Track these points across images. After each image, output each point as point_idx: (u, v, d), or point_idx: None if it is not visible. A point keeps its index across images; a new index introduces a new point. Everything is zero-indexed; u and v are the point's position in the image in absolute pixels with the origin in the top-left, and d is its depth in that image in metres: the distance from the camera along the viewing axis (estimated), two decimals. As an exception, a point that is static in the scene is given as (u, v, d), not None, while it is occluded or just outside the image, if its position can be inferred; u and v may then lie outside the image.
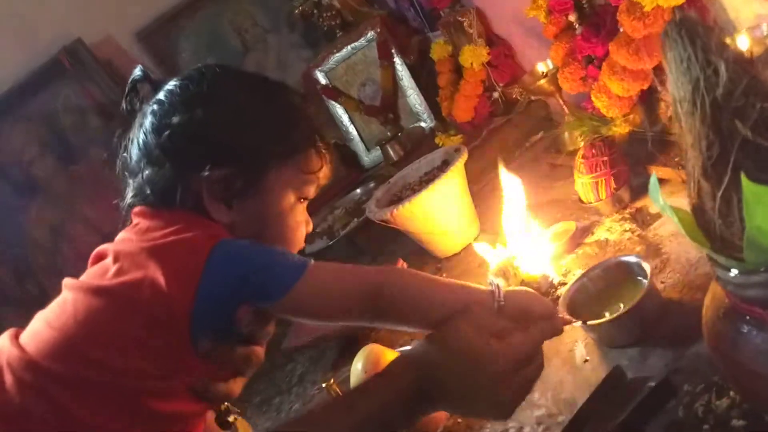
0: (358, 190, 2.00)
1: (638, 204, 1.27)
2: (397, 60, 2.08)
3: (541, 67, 1.56)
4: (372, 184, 1.92)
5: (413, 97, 2.07)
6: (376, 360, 1.13)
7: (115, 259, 0.74)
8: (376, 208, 1.50)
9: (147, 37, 2.36)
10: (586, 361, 0.99)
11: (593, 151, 1.29)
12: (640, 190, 1.30)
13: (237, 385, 0.79)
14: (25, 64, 2.19)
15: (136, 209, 0.79)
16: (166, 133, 0.78)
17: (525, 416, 0.96)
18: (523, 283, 1.19)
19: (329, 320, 0.78)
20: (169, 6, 2.38)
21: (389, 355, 1.15)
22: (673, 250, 1.08)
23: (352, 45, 2.16)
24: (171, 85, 0.81)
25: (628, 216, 1.27)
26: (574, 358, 1.01)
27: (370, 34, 2.12)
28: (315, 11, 2.29)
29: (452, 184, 1.44)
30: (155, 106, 0.80)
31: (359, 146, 2.22)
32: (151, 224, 0.76)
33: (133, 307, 0.70)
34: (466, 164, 1.66)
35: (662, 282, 1.03)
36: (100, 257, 0.77)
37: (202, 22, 2.42)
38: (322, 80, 2.21)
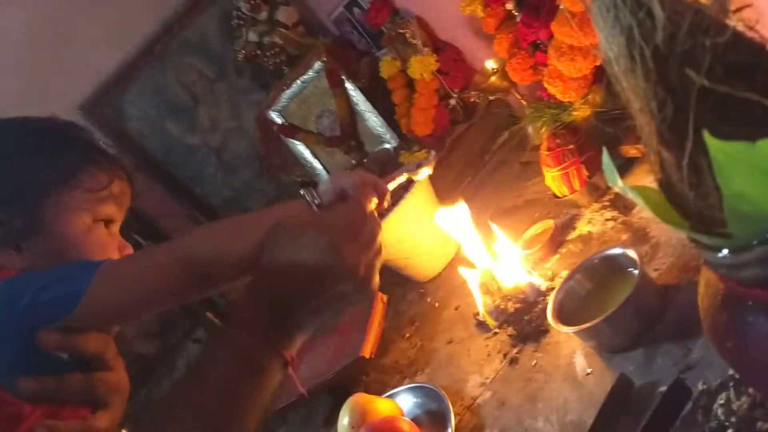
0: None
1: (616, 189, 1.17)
2: (349, 85, 2.00)
3: (490, 64, 1.47)
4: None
5: (372, 119, 1.99)
6: (363, 411, 1.03)
7: None
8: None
9: (91, 109, 2.28)
10: (588, 373, 0.88)
11: (557, 141, 1.20)
12: (619, 172, 1.20)
13: (101, 420, 0.69)
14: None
15: None
16: None
17: (532, 447, 0.85)
18: (506, 297, 1.09)
19: (149, 311, 0.71)
20: (108, 74, 2.30)
21: (377, 403, 1.05)
22: (662, 232, 0.98)
23: (301, 79, 2.08)
24: None
25: (608, 203, 1.17)
26: (575, 371, 0.90)
27: (317, 64, 2.04)
28: (258, 52, 2.21)
29: (419, 201, 1.34)
30: None
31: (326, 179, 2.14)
32: None
33: None
34: (434, 178, 1.57)
35: (655, 269, 0.93)
36: None
37: (145, 84, 2.34)
38: (277, 120, 2.13)
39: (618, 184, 0.49)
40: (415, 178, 0.86)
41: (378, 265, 0.69)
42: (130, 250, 0.81)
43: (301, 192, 0.72)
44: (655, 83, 0.40)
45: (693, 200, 0.42)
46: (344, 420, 1.04)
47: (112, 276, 0.67)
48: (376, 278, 0.68)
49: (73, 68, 2.29)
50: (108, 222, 0.79)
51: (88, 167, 0.78)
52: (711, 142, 0.36)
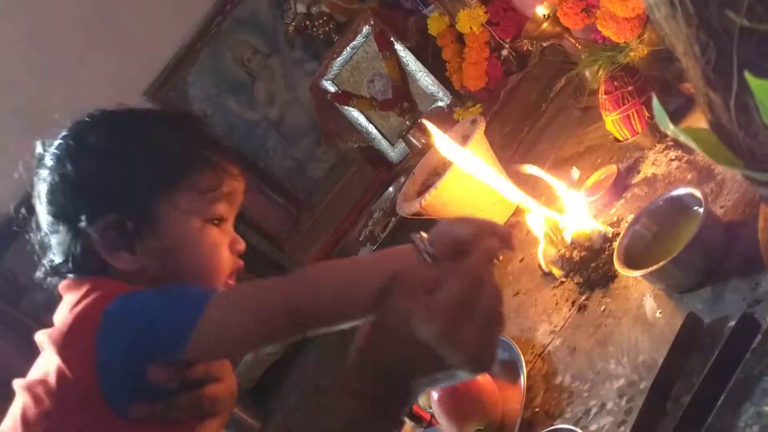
0: (391, 188, 1.94)
1: (680, 126, 1.15)
2: (399, 47, 2.01)
3: (541, 11, 1.45)
4: (403, 179, 1.85)
5: (423, 79, 2.00)
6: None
7: (40, 348, 0.73)
8: (405, 203, 1.42)
9: (155, 94, 2.37)
10: (658, 315, 0.89)
11: (615, 83, 1.18)
12: (679, 112, 1.18)
13: (211, 429, 0.74)
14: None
15: (60, 285, 0.76)
16: (48, 196, 0.76)
17: (605, 390, 0.87)
18: (572, 244, 1.10)
19: (252, 350, 0.73)
20: (168, 58, 2.38)
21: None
22: (727, 168, 0.97)
23: (351, 45, 2.10)
24: (53, 146, 0.78)
25: (671, 143, 1.15)
26: (645, 314, 0.91)
27: (365, 29, 2.05)
28: (307, 22, 2.24)
29: (476, 158, 1.35)
30: (42, 173, 0.78)
31: (383, 143, 2.16)
32: (67, 299, 0.74)
33: (52, 399, 0.69)
34: (491, 132, 1.57)
35: (721, 206, 0.92)
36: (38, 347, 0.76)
37: (204, 65, 2.41)
38: (331, 88, 2.16)
39: (670, 129, 0.49)
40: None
41: (497, 339, 0.66)
42: (241, 245, 0.80)
43: (412, 238, 0.67)
44: (697, 27, 0.40)
45: (743, 139, 0.42)
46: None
47: (217, 319, 0.67)
48: (496, 354, 0.65)
49: (134, 56, 2.37)
50: (219, 220, 0.78)
51: (200, 167, 0.76)
52: (753, 82, 0.36)
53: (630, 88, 1.16)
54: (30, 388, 0.70)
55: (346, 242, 2.01)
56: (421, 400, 1.09)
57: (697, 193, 0.88)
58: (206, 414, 0.73)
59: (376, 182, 2.11)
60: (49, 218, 0.76)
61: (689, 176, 1.03)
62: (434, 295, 0.63)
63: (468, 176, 1.33)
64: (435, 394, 1.00)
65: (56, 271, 0.76)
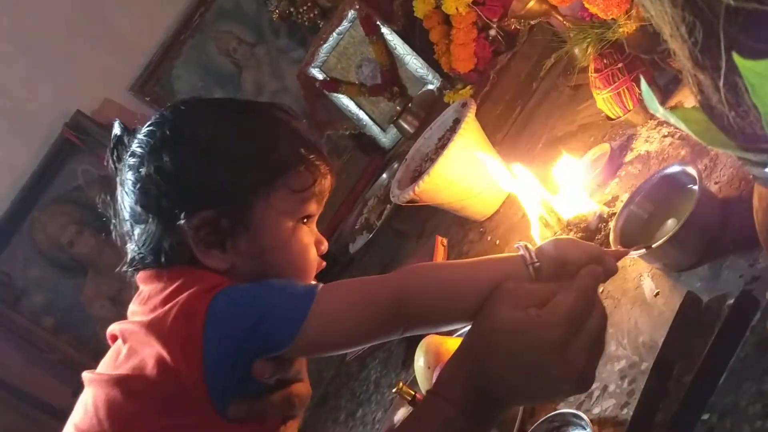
0: (384, 175, 1.92)
1: (672, 102, 1.13)
2: (385, 30, 1.98)
3: (527, -11, 1.43)
4: (396, 165, 1.84)
5: (412, 62, 1.98)
6: (437, 352, 1.06)
7: (124, 340, 0.70)
8: (398, 191, 1.41)
9: (141, 88, 2.35)
10: (656, 294, 0.88)
11: (604, 61, 1.16)
12: (670, 87, 1.16)
13: (291, 429, 0.73)
14: (34, 154, 2.20)
15: (139, 275, 0.74)
16: (139, 186, 0.73)
17: (606, 373, 0.86)
18: (568, 225, 1.09)
19: (354, 346, 0.72)
20: (153, 52, 2.35)
21: (450, 343, 1.08)
22: (720, 142, 0.96)
23: (337, 31, 2.07)
24: (141, 133, 0.75)
25: (663, 119, 1.14)
26: (644, 294, 0.90)
27: (351, 13, 2.03)
28: (291, 9, 2.22)
29: (468, 142, 1.34)
30: (130, 160, 0.75)
31: (374, 129, 2.14)
32: (151, 290, 0.71)
33: (148, 393, 0.66)
34: (482, 113, 1.56)
35: (716, 182, 0.91)
36: (114, 338, 0.73)
37: (189, 57, 2.38)
38: (319, 76, 2.14)
39: (660, 112, 0.48)
40: (635, 254, 0.82)
41: (599, 359, 0.66)
42: (325, 245, 0.78)
43: (517, 246, 0.68)
44: (682, 7, 0.39)
45: (734, 120, 0.41)
46: (420, 361, 1.07)
47: (326, 313, 0.66)
48: (595, 375, 0.65)
49: (118, 51, 2.35)
50: (308, 218, 0.76)
51: (296, 166, 0.73)
52: (741, 63, 0.35)
53: (620, 65, 1.15)
54: (120, 382, 0.67)
55: (342, 231, 2.01)
56: (424, 388, 1.09)
57: (692, 170, 0.87)
58: (293, 413, 0.72)
59: (369, 169, 2.10)
60: (138, 208, 0.73)
61: (683, 152, 1.02)
62: (545, 308, 0.64)
63: (461, 161, 1.33)
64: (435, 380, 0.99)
65: (141, 263, 0.73)
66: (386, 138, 2.14)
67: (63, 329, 2.16)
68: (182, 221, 0.70)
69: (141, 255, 0.73)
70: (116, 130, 0.78)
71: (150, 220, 0.72)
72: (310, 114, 2.24)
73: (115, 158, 0.78)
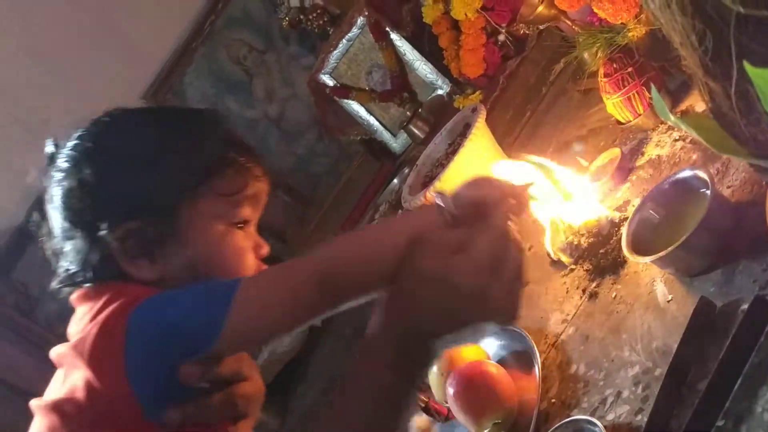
0: (395, 180, 1.92)
1: (682, 106, 1.13)
2: (394, 36, 1.99)
3: (536, -6, 1.43)
4: (406, 170, 1.84)
5: (422, 68, 1.98)
6: (450, 358, 1.06)
7: (60, 364, 0.70)
8: (409, 196, 1.42)
9: (153, 97, 2.36)
10: (669, 300, 0.88)
11: (614, 65, 1.16)
12: (681, 91, 1.16)
13: (243, 429, 0.72)
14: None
15: (73, 297, 0.73)
16: (64, 201, 0.72)
17: (620, 378, 0.87)
18: (578, 232, 1.08)
19: (286, 333, 0.69)
20: (164, 60, 2.37)
21: (463, 350, 1.08)
22: (732, 145, 0.95)
23: (346, 37, 2.08)
24: (66, 147, 0.75)
25: (674, 123, 1.14)
26: (656, 299, 0.90)
27: (360, 20, 2.03)
28: (301, 17, 2.22)
29: (479, 147, 1.34)
30: (56, 175, 0.74)
31: (385, 135, 2.14)
32: (83, 310, 0.71)
33: (81, 415, 0.66)
34: (492, 118, 1.56)
35: (728, 186, 0.91)
36: (55, 363, 0.73)
37: (200, 65, 2.39)
38: (329, 82, 2.14)
39: (670, 119, 0.48)
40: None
41: (522, 292, 0.65)
42: (265, 249, 0.77)
43: (434, 196, 0.67)
44: (692, 16, 0.39)
45: (746, 127, 0.41)
46: (433, 368, 1.07)
47: (248, 304, 0.65)
48: (519, 307, 0.65)
49: (130, 59, 2.36)
50: (244, 223, 0.75)
51: (223, 170, 0.73)
52: (752, 71, 0.35)
53: (630, 69, 1.15)
54: (56, 408, 0.67)
55: (354, 236, 2.01)
56: (437, 395, 1.09)
57: (703, 175, 0.87)
58: (239, 414, 0.71)
59: (381, 174, 2.10)
60: (65, 224, 0.72)
61: (694, 157, 1.02)
62: (464, 254, 0.63)
63: (472, 166, 1.33)
64: (451, 390, 0.99)
65: (71, 280, 0.72)
66: (397, 143, 2.15)
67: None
68: (106, 233, 0.70)
69: (72, 272, 0.72)
70: (48, 148, 0.77)
71: (77, 235, 0.71)
72: (321, 120, 2.24)
73: (47, 181, 0.76)
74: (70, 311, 0.74)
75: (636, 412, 0.80)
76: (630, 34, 1.15)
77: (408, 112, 2.00)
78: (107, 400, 0.65)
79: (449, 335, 0.64)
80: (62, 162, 0.73)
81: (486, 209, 0.66)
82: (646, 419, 0.77)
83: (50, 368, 0.72)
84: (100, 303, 0.69)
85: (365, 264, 0.67)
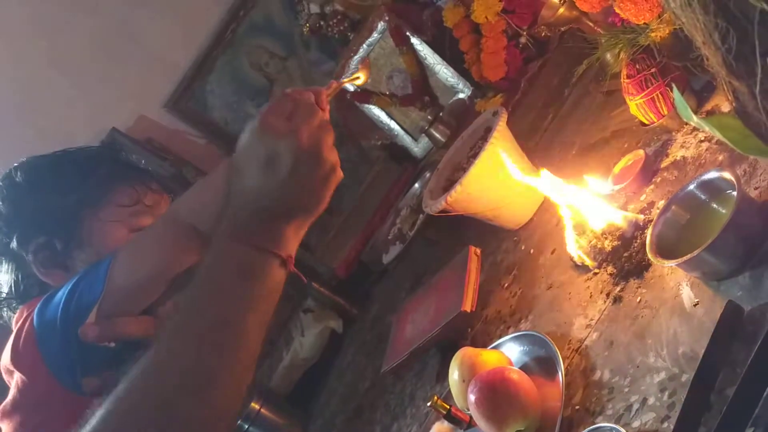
0: (417, 185, 1.92)
1: (708, 107, 1.11)
2: (415, 41, 1.99)
3: (557, -4, 1.42)
4: (428, 174, 1.83)
5: (442, 71, 1.97)
6: (471, 364, 1.05)
7: (7, 379, 0.82)
8: (430, 201, 1.41)
9: (175, 104, 2.38)
10: (695, 304, 0.86)
11: (637, 66, 1.15)
12: (706, 91, 1.14)
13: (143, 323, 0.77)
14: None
15: (13, 319, 0.86)
16: None
17: (646, 385, 0.85)
18: (602, 236, 1.07)
19: (166, 277, 0.75)
20: (186, 69, 2.39)
21: (485, 355, 1.07)
22: (760, 146, 0.93)
23: (367, 42, 2.08)
24: None
25: (699, 124, 1.12)
26: (682, 303, 0.88)
27: (380, 25, 2.03)
28: (322, 23, 2.24)
29: (500, 151, 1.33)
30: None
31: (406, 139, 2.14)
32: (17, 328, 0.81)
33: (25, 413, 0.76)
34: (514, 121, 1.54)
35: (756, 187, 0.89)
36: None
37: (222, 72, 2.41)
38: (350, 87, 2.15)
39: (693, 120, 0.47)
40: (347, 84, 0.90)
41: (324, 135, 0.71)
42: None
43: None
44: (714, 14, 0.38)
45: (772, 127, 0.40)
46: (455, 374, 1.07)
47: (124, 259, 0.73)
48: (327, 147, 0.70)
49: (151, 69, 2.39)
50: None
51: (116, 185, 0.87)
52: (778, 70, 0.34)
53: (653, 70, 1.13)
54: (5, 413, 0.78)
55: (375, 241, 2.01)
56: (459, 402, 1.08)
57: (729, 176, 0.85)
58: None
59: (402, 179, 2.10)
60: None
61: (720, 158, 1.00)
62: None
63: (494, 170, 1.32)
64: (472, 397, 0.98)
65: (7, 305, 0.86)
66: (418, 147, 2.14)
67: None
68: (20, 249, 0.84)
69: (6, 297, 0.86)
70: None
71: (3, 263, 0.86)
72: (343, 125, 2.25)
73: None
74: None
75: (662, 419, 0.79)
76: (653, 35, 1.13)
77: (429, 117, 2.00)
78: (36, 389, 0.75)
79: (281, 194, 0.68)
80: None
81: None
82: (672, 427, 0.75)
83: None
84: (21, 319, 0.80)
85: (206, 197, 0.74)
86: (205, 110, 2.40)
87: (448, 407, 1.07)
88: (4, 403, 0.79)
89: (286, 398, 1.82)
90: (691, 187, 0.91)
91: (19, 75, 2.25)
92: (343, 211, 2.35)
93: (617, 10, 1.16)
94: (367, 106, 2.15)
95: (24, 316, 0.80)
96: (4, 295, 0.86)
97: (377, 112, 2.16)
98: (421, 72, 2.01)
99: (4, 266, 0.86)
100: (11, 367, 0.77)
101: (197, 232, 0.73)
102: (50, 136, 2.24)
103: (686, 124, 1.13)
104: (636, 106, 1.17)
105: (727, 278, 0.83)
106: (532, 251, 1.31)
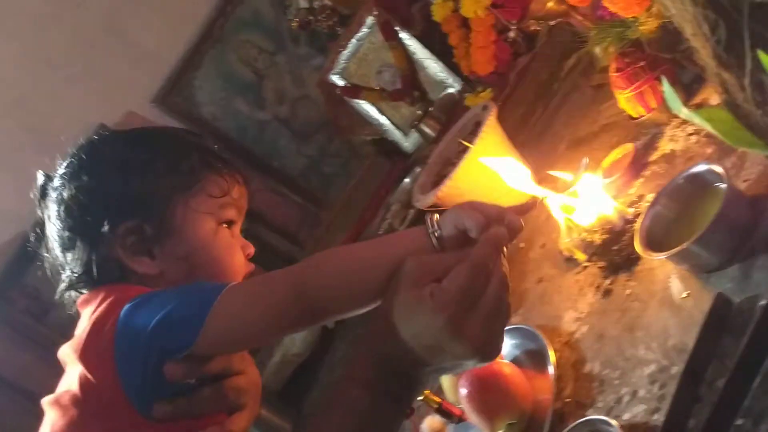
0: (407, 179, 1.91)
1: (696, 100, 1.11)
2: (404, 35, 1.98)
3: (545, -11, 1.42)
4: (418, 169, 1.83)
5: (432, 66, 1.97)
6: (462, 358, 1.05)
7: (64, 363, 0.75)
8: (421, 195, 1.41)
9: (163, 100, 2.36)
10: (685, 296, 0.87)
11: (626, 60, 1.15)
12: (694, 84, 1.14)
13: (238, 423, 0.74)
14: (60, 170, 2.24)
15: (77, 302, 0.78)
16: (64, 211, 0.78)
17: (636, 377, 0.85)
18: (591, 229, 1.07)
19: (263, 343, 0.75)
20: (173, 64, 2.37)
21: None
22: (748, 139, 0.94)
23: (356, 37, 2.07)
24: (60, 169, 0.82)
25: (688, 117, 1.12)
26: (671, 296, 0.89)
27: (369, 19, 2.02)
28: (310, 17, 2.22)
29: (490, 145, 1.33)
30: (52, 194, 0.81)
31: (396, 134, 2.13)
32: (86, 312, 0.76)
33: (78, 410, 0.71)
34: (504, 115, 1.54)
35: (744, 180, 0.89)
36: (61, 362, 0.78)
37: (210, 68, 2.39)
38: (339, 82, 2.14)
39: (682, 112, 0.47)
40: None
41: (503, 329, 0.65)
42: (251, 249, 0.82)
43: (424, 219, 0.68)
44: (704, 5, 0.38)
45: (761, 118, 0.40)
46: (446, 369, 1.07)
47: (228, 308, 0.67)
48: (500, 345, 0.65)
49: (139, 64, 2.37)
50: (230, 224, 0.81)
51: (209, 174, 0.80)
52: (766, 59, 0.34)
53: (641, 63, 1.13)
54: (56, 402, 0.72)
55: (366, 237, 2.00)
56: (450, 396, 1.08)
57: (718, 169, 0.85)
58: (232, 407, 0.73)
59: (392, 174, 2.09)
60: (66, 234, 0.78)
61: (709, 151, 1.00)
62: (440, 287, 0.62)
63: (481, 166, 1.31)
64: (463, 390, 0.99)
65: (74, 285, 0.78)
66: (408, 142, 2.14)
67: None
68: (107, 232, 0.75)
69: (75, 276, 0.77)
70: (39, 180, 0.84)
71: (78, 242, 0.77)
72: (332, 120, 2.24)
73: (42, 205, 0.83)
74: (76, 319, 0.78)
75: (653, 411, 0.79)
76: (641, 28, 1.13)
77: (419, 111, 1.99)
78: (99, 394, 0.69)
79: (430, 366, 0.64)
80: (58, 180, 0.80)
81: (472, 233, 0.64)
82: (663, 419, 0.75)
83: (59, 373, 0.77)
84: (95, 304, 0.74)
85: (348, 283, 0.67)
86: (193, 106, 2.39)
87: (440, 401, 1.07)
88: (60, 393, 0.73)
89: (277, 394, 1.81)
90: (680, 180, 0.92)
91: (4, 70, 2.23)
92: (334, 207, 2.35)
93: (606, 4, 1.16)
94: (356, 101, 2.14)
95: (97, 305, 0.73)
96: (75, 275, 0.77)
97: (367, 107, 2.15)
98: (410, 67, 2.00)
99: (79, 245, 0.77)
100: (77, 359, 0.71)
101: (318, 313, 0.68)
102: (36, 132, 2.23)
103: (675, 117, 1.14)
104: (625, 99, 1.17)
105: (716, 271, 0.83)
106: (522, 245, 1.32)
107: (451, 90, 1.96)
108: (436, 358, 0.64)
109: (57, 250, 0.80)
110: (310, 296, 0.66)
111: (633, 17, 1.14)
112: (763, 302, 0.73)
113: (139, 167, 0.78)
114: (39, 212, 0.83)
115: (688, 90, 1.14)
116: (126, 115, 2.34)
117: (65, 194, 0.78)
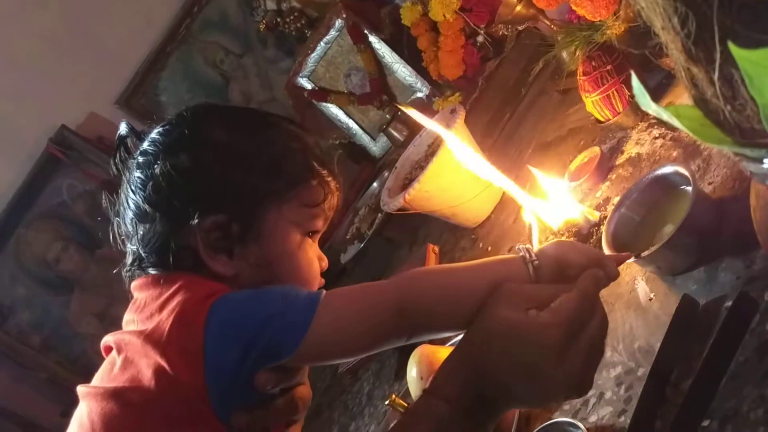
0: (375, 183, 1.91)
1: (663, 103, 1.12)
2: (373, 39, 1.98)
3: (513, -6, 1.42)
4: (386, 173, 1.82)
5: (401, 70, 1.97)
6: (429, 362, 1.04)
7: (119, 350, 0.68)
8: (388, 199, 1.40)
9: (127, 101, 2.32)
10: (651, 298, 0.86)
11: (593, 64, 1.15)
12: (660, 88, 1.15)
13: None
14: (18, 171, 2.19)
15: (134, 284, 0.72)
16: (150, 184, 0.71)
17: (602, 379, 0.84)
18: (559, 233, 1.07)
19: (358, 354, 0.71)
20: (138, 65, 2.33)
21: (443, 352, 1.06)
22: (712, 142, 0.94)
23: (324, 40, 2.06)
24: (154, 133, 0.74)
25: (654, 121, 1.13)
26: (638, 298, 0.88)
27: (338, 22, 2.02)
28: (278, 19, 2.21)
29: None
30: (140, 158, 0.73)
31: (364, 138, 2.13)
32: (147, 297, 0.70)
33: (147, 405, 0.64)
34: (471, 121, 1.54)
35: (709, 183, 0.90)
36: (108, 349, 0.71)
37: (175, 69, 2.36)
38: (307, 85, 2.13)
39: (651, 108, 0.46)
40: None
41: (597, 366, 0.65)
42: (325, 262, 0.78)
43: (518, 248, 0.68)
44: (674, -3, 0.37)
45: (730, 114, 0.40)
46: (413, 371, 1.05)
47: (328, 319, 0.64)
48: (592, 383, 0.65)
49: (102, 65, 2.33)
50: (314, 234, 0.76)
51: (308, 181, 0.73)
52: (737, 52, 0.34)
53: (608, 67, 1.14)
54: (116, 395, 0.65)
55: (333, 241, 1.98)
56: (415, 396, 1.07)
57: (684, 171, 0.86)
58: (296, 418, 0.71)
59: (360, 178, 2.08)
60: (146, 207, 0.71)
61: (674, 154, 1.01)
62: (546, 310, 0.63)
63: (451, 168, 1.31)
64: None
65: (140, 264, 0.72)
66: (376, 146, 2.13)
67: (50, 347, 2.12)
68: (194, 222, 0.69)
69: (144, 255, 0.71)
70: (122, 130, 0.77)
71: (157, 219, 0.70)
72: (300, 124, 2.22)
73: (119, 158, 0.76)
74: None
75: (619, 413, 0.79)
76: (609, 32, 1.14)
77: (387, 115, 1.99)
78: (179, 393, 0.63)
79: (517, 391, 0.64)
80: (149, 146, 0.73)
81: (571, 273, 0.66)
82: (629, 420, 0.75)
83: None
84: (169, 292, 0.67)
85: (446, 303, 0.67)
86: (158, 108, 2.34)
87: (407, 405, 1.05)
88: (122, 387, 0.66)
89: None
90: (646, 182, 0.92)
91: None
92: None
93: (574, 8, 1.17)
94: (324, 104, 2.13)
95: (173, 292, 0.67)
96: (143, 253, 0.71)
97: (335, 110, 2.14)
98: (379, 70, 2.00)
99: (157, 224, 0.70)
100: (155, 352, 0.64)
101: (415, 329, 0.67)
102: (-1, 134, 2.17)
103: (641, 121, 1.15)
104: (592, 103, 1.17)
105: (682, 273, 0.83)
106: (489, 249, 1.31)
107: (419, 94, 1.97)
108: (527, 384, 0.63)
109: (128, 217, 0.73)
110: (410, 314, 0.65)
111: (600, 21, 1.15)
112: (728, 304, 0.73)
113: (242, 160, 0.72)
114: (114, 163, 0.76)
115: (653, 93, 1.14)
116: (88, 117, 2.30)
117: (157, 168, 0.71)
